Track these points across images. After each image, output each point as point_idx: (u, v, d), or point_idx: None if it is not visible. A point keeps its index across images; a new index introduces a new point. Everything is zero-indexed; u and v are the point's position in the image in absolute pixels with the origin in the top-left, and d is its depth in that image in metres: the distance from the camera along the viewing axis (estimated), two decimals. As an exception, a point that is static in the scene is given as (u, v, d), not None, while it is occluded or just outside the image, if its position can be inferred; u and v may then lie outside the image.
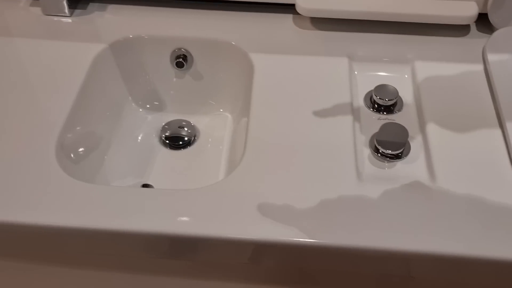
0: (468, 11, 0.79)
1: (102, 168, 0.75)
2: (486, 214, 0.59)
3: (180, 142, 0.83)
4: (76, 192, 0.61)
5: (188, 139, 0.83)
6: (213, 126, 0.85)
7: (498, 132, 0.68)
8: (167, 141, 0.82)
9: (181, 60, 0.81)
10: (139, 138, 0.83)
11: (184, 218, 0.58)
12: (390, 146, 0.65)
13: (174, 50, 0.82)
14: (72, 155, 0.70)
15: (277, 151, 0.65)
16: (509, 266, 0.57)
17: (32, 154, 0.64)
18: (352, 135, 0.67)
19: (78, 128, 0.72)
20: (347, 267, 0.61)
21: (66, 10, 0.83)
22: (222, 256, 0.61)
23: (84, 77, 0.74)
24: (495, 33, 0.79)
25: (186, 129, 0.84)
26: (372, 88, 0.73)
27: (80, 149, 0.72)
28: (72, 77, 0.74)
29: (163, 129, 0.84)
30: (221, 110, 0.86)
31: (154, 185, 0.76)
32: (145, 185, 0.74)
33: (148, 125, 0.84)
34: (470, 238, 0.57)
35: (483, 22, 0.81)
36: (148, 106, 0.86)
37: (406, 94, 0.74)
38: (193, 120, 0.85)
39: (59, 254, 0.65)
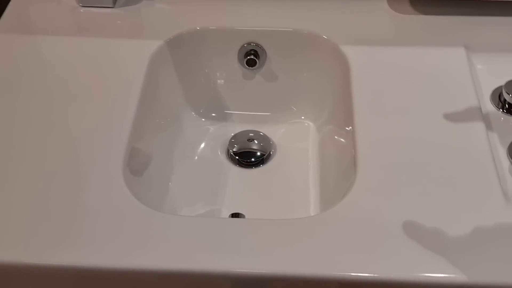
0: None
1: (167, 195, 0.75)
2: None
3: (252, 159, 0.83)
4: (150, 223, 0.61)
5: (262, 154, 0.83)
6: (292, 137, 0.85)
7: None
8: (237, 157, 0.82)
9: (253, 57, 0.82)
10: (203, 154, 0.84)
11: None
12: (541, 157, 0.65)
13: (243, 46, 0.82)
14: (138, 177, 0.70)
15: (396, 169, 0.65)
16: None
17: (102, 181, 0.64)
18: (488, 144, 0.67)
19: (139, 147, 0.72)
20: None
21: (110, 1, 0.83)
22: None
23: (142, 82, 0.74)
24: None
25: (258, 142, 0.84)
26: (500, 84, 0.73)
27: (142, 174, 0.73)
28: (127, 83, 0.74)
29: (230, 143, 0.84)
30: (303, 117, 0.86)
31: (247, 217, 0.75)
32: (234, 215, 0.74)
33: (212, 138, 0.85)
34: None
35: None
36: (213, 114, 0.87)
37: (544, 91, 0.74)
38: (266, 131, 0.85)
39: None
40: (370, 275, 0.56)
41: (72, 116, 0.71)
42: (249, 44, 0.82)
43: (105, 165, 0.66)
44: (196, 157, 0.83)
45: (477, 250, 0.58)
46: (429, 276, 0.56)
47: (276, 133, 0.85)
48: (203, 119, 0.86)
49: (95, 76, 0.75)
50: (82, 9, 0.84)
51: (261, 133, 0.85)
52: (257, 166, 0.83)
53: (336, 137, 0.79)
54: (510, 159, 0.67)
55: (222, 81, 0.85)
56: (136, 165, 0.70)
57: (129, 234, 0.60)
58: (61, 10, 0.85)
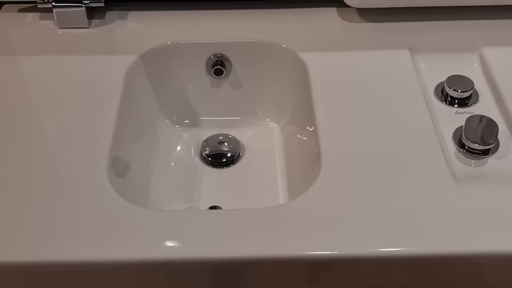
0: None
1: (149, 195, 0.75)
2: None
3: (223, 159, 0.83)
4: (143, 219, 0.61)
5: (232, 155, 0.83)
6: (258, 139, 0.86)
7: None
8: (209, 159, 0.83)
9: (219, 67, 0.82)
10: (178, 157, 0.83)
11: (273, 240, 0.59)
12: (484, 142, 0.67)
13: (210, 57, 0.83)
14: (122, 179, 0.70)
15: (356, 160, 0.66)
16: None
17: (90, 188, 0.64)
18: (435, 133, 0.69)
19: (120, 155, 0.72)
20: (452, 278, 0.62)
21: (86, 21, 0.83)
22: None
23: (120, 95, 0.74)
24: None
25: (227, 144, 0.84)
26: (442, 80, 0.76)
27: (125, 178, 0.72)
28: (106, 96, 0.74)
29: (203, 146, 0.84)
30: (267, 120, 0.86)
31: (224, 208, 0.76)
32: (212, 207, 0.75)
33: (186, 143, 0.85)
34: None
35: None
36: (185, 121, 0.87)
37: (479, 84, 0.76)
38: (234, 134, 0.86)
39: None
40: (332, 253, 0.57)
41: (56, 128, 0.70)
42: (215, 55, 0.83)
43: (92, 169, 0.66)
44: (172, 161, 0.83)
45: (432, 225, 0.60)
46: (385, 250, 0.58)
47: (244, 135, 0.86)
48: (177, 126, 0.86)
49: (75, 91, 0.75)
50: (60, 31, 0.84)
51: (230, 136, 0.85)
52: (228, 166, 0.83)
53: (298, 136, 0.80)
54: (455, 144, 0.69)
55: (193, 90, 0.85)
56: (119, 169, 0.70)
57: (118, 229, 0.60)
58: (40, 32, 0.84)
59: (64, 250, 0.57)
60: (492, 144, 0.67)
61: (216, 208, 0.74)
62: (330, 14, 0.86)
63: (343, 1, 0.83)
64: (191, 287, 0.62)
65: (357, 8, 0.85)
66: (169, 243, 0.58)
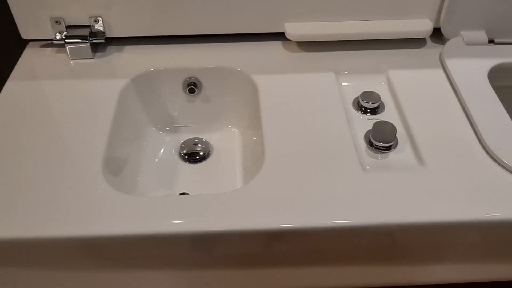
0: (425, 26, 0.83)
1: (137, 185, 0.75)
2: (468, 186, 0.62)
3: (197, 157, 0.83)
4: (127, 203, 0.60)
5: (204, 153, 0.83)
6: (224, 141, 0.85)
7: (463, 117, 0.71)
8: (186, 157, 0.82)
9: (193, 87, 0.82)
10: (162, 156, 0.83)
11: (228, 217, 0.59)
12: (384, 140, 0.67)
13: (186, 79, 0.82)
14: (116, 176, 0.69)
15: (292, 156, 0.66)
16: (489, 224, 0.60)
17: (84, 178, 0.64)
18: (350, 135, 0.69)
19: (115, 153, 0.71)
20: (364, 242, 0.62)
21: (91, 54, 0.82)
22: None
23: (115, 108, 0.74)
24: (448, 43, 0.83)
25: (200, 145, 0.84)
26: (358, 95, 0.76)
27: (120, 170, 0.72)
28: (105, 109, 0.74)
29: (181, 147, 0.83)
30: (230, 126, 0.86)
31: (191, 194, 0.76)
32: (182, 193, 0.74)
33: (168, 145, 0.84)
34: (459, 206, 0.60)
35: (435, 35, 0.85)
36: (167, 128, 0.86)
37: (385, 97, 0.77)
38: (206, 137, 0.85)
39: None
40: (280, 226, 0.58)
41: (64, 133, 0.70)
42: (189, 78, 0.82)
43: (88, 166, 0.65)
44: (157, 159, 0.82)
45: (346, 202, 0.60)
46: (313, 223, 0.58)
47: (213, 138, 0.85)
48: (161, 132, 0.85)
49: (82, 106, 0.74)
50: (71, 61, 0.83)
51: (203, 139, 0.85)
52: (201, 161, 0.82)
53: (253, 137, 0.80)
54: (366, 143, 0.70)
55: (173, 104, 0.85)
56: (113, 167, 0.69)
57: (109, 212, 0.59)
58: (56, 62, 0.83)
59: (67, 226, 0.57)
60: (392, 142, 0.68)
61: (185, 194, 0.74)
62: (276, 46, 0.86)
63: (286, 37, 0.84)
64: (166, 256, 0.62)
65: (297, 42, 0.85)
66: (145, 221, 0.58)
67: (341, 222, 0.58)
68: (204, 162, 0.82)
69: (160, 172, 0.80)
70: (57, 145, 0.68)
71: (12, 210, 0.59)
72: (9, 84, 0.78)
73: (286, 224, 0.58)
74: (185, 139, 0.84)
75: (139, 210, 0.59)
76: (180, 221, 0.58)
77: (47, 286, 0.67)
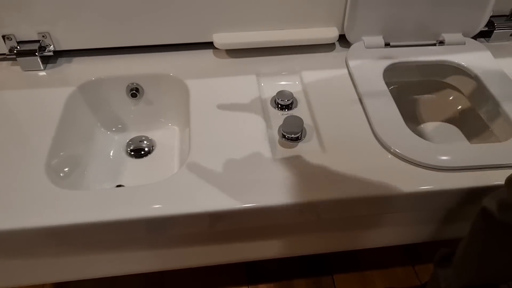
0: (332, 33, 0.83)
1: (84, 180, 0.73)
2: (360, 169, 0.63)
3: (142, 152, 0.82)
4: (67, 198, 0.59)
5: (148, 149, 0.82)
6: (165, 137, 0.84)
7: (361, 110, 0.73)
8: (132, 153, 0.81)
9: (135, 92, 0.81)
10: (111, 153, 0.81)
11: (156, 205, 0.58)
12: (292, 132, 0.68)
13: (128, 85, 0.81)
14: (60, 174, 0.67)
15: (214, 148, 0.66)
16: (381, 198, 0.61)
17: (26, 175, 0.62)
18: (265, 128, 0.69)
19: (61, 153, 0.69)
20: (279, 219, 0.63)
21: (41, 66, 0.80)
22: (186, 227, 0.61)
23: (61, 113, 0.72)
24: (352, 47, 0.84)
25: (145, 142, 0.83)
26: (275, 94, 0.76)
27: (65, 169, 0.70)
28: (51, 114, 0.71)
29: (128, 144, 0.82)
30: (170, 124, 0.85)
31: (126, 186, 0.74)
32: (118, 186, 0.73)
33: (116, 143, 0.83)
34: (356, 184, 0.61)
35: (344, 40, 0.86)
36: (113, 129, 0.84)
37: (299, 95, 0.77)
38: (149, 135, 0.84)
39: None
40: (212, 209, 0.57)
41: (12, 137, 0.68)
42: (131, 83, 0.81)
43: (32, 167, 0.63)
44: (105, 156, 0.80)
45: (258, 186, 0.61)
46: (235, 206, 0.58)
47: (156, 135, 0.84)
48: (109, 132, 0.83)
49: (30, 112, 0.72)
50: (25, 73, 0.80)
51: (147, 136, 0.84)
52: (146, 156, 0.81)
53: (187, 134, 0.79)
54: (279, 135, 0.70)
55: (118, 107, 0.83)
56: (57, 164, 0.67)
57: (54, 204, 0.58)
58: (10, 74, 0.80)
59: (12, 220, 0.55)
60: (298, 133, 0.68)
61: (121, 186, 0.73)
62: (208, 54, 0.85)
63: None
64: (107, 240, 0.61)
65: (225, 50, 0.85)
66: (81, 212, 0.57)
67: (250, 205, 0.58)
68: (148, 157, 0.81)
69: (107, 167, 0.78)
70: (5, 148, 0.66)
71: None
72: (-35, 95, 0.75)
73: (202, 209, 0.58)
74: (132, 137, 0.83)
75: (76, 203, 0.58)
76: (113, 210, 0.57)
77: (10, 272, 0.66)
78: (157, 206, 0.58)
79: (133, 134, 0.84)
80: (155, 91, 0.82)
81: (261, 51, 0.84)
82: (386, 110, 0.71)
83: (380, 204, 0.62)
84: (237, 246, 0.70)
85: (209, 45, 0.84)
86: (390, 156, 0.65)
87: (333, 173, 0.63)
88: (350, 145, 0.67)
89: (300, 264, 0.93)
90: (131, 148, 0.82)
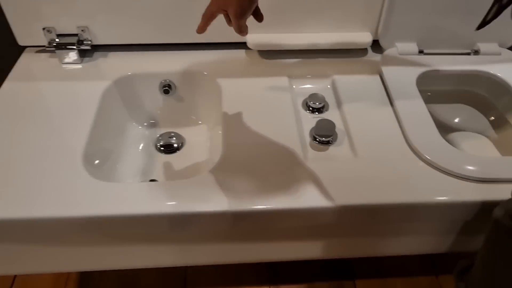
0: (366, 38, 0.83)
1: (116, 172, 0.74)
2: (391, 175, 0.63)
3: (171, 148, 0.83)
4: (105, 190, 0.60)
5: (177, 145, 0.83)
6: (194, 134, 0.85)
7: (393, 117, 0.72)
8: (162, 148, 0.82)
9: (167, 88, 0.82)
10: (140, 148, 0.82)
11: (189, 202, 0.59)
12: (324, 135, 0.68)
13: (161, 81, 0.82)
14: (94, 165, 0.69)
15: (246, 147, 0.67)
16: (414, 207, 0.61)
17: (65, 166, 0.63)
18: (297, 130, 0.70)
19: (96, 145, 0.71)
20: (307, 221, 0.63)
21: (78, 59, 0.82)
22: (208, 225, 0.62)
23: (97, 106, 0.73)
24: (385, 52, 0.84)
25: (175, 138, 0.84)
26: (307, 96, 0.76)
27: (99, 161, 0.71)
28: (88, 107, 0.73)
29: (158, 140, 0.83)
30: (200, 122, 0.86)
31: (159, 181, 0.75)
32: (152, 180, 0.74)
33: (146, 138, 0.84)
34: (387, 190, 0.61)
35: (376, 46, 0.86)
36: (145, 124, 0.85)
37: (330, 99, 0.78)
38: (179, 131, 0.85)
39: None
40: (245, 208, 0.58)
41: (51, 128, 0.69)
42: (164, 80, 0.82)
43: (70, 158, 0.65)
44: (136, 150, 0.81)
45: (290, 187, 0.61)
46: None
47: (185, 132, 0.85)
48: (140, 127, 0.85)
49: (68, 104, 0.74)
50: (62, 65, 0.82)
51: (176, 132, 0.85)
52: (175, 152, 0.82)
53: (219, 132, 0.80)
54: (310, 138, 0.70)
55: (150, 103, 0.84)
56: (94, 157, 0.69)
57: (89, 195, 0.59)
58: (49, 66, 0.82)
59: (49, 208, 0.57)
60: (330, 136, 0.68)
61: (154, 181, 0.74)
62: (240, 54, 0.86)
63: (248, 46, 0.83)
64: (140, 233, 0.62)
65: (257, 50, 0.85)
66: (118, 204, 0.58)
67: (280, 206, 0.59)
68: (177, 153, 0.82)
69: (138, 161, 0.79)
70: (45, 138, 0.68)
71: (3, 197, 0.59)
72: (6, 84, 0.77)
73: (233, 208, 0.59)
74: (162, 133, 0.84)
75: (114, 195, 0.59)
76: (148, 204, 0.58)
77: (40, 259, 0.67)
78: (190, 203, 0.59)
79: (163, 130, 0.85)
80: (187, 89, 0.83)
81: (293, 53, 0.85)
82: (419, 117, 0.70)
83: (410, 212, 0.61)
84: (260, 246, 0.70)
85: (241, 45, 0.85)
86: (421, 163, 0.65)
87: (364, 178, 0.62)
88: (382, 151, 0.67)
89: (323, 267, 0.93)
90: (161, 143, 0.83)
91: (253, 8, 0.57)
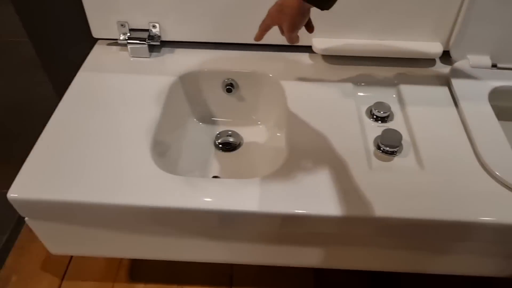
0: (436, 48, 0.81)
1: (178, 166, 0.76)
2: (459, 191, 0.61)
3: (229, 147, 0.83)
4: (173, 182, 0.62)
5: (235, 144, 0.84)
6: (253, 134, 0.85)
7: (462, 131, 0.70)
8: (220, 146, 0.83)
9: (230, 87, 0.83)
10: (200, 144, 0.83)
11: (255, 200, 0.59)
12: (391, 145, 0.66)
13: (224, 80, 0.83)
14: (159, 158, 0.71)
15: (309, 152, 0.66)
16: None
17: (134, 156, 0.65)
18: (361, 138, 0.69)
19: (161, 138, 0.72)
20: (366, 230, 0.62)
21: (148, 53, 0.84)
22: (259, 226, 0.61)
23: (164, 100, 0.75)
24: (455, 64, 0.81)
25: (233, 137, 0.85)
26: (371, 104, 0.75)
27: (162, 153, 0.73)
28: (156, 100, 0.75)
29: (216, 137, 0.84)
30: (259, 123, 0.86)
31: (222, 178, 0.76)
32: (214, 177, 0.75)
33: (205, 134, 0.85)
34: (456, 205, 0.59)
35: (444, 56, 0.83)
36: (205, 120, 0.86)
37: (395, 108, 0.76)
38: (238, 130, 0.86)
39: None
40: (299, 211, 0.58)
41: (121, 118, 0.72)
42: (227, 79, 0.83)
43: (139, 148, 0.67)
44: (196, 145, 0.83)
45: (358, 195, 0.60)
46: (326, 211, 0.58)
47: (244, 131, 0.86)
48: (201, 123, 0.86)
49: (137, 96, 0.76)
50: (132, 58, 0.85)
51: (235, 131, 0.85)
52: (233, 151, 0.83)
53: (277, 134, 0.80)
54: (374, 146, 0.69)
55: (212, 100, 0.85)
56: (159, 149, 0.71)
57: (155, 186, 0.60)
58: (119, 58, 0.85)
59: (116, 196, 0.59)
60: (397, 147, 0.67)
61: (217, 177, 0.75)
62: (303, 57, 0.85)
63: (313, 50, 0.83)
64: (196, 228, 0.63)
65: (322, 55, 0.85)
66: (183, 197, 0.59)
67: (347, 213, 0.58)
68: (235, 152, 0.83)
69: (197, 157, 0.81)
70: (115, 127, 0.70)
71: (74, 180, 0.62)
72: (80, 74, 0.81)
73: (298, 210, 0.58)
74: (220, 131, 0.85)
75: (179, 188, 0.61)
76: (211, 200, 0.59)
77: (96, 243, 0.70)
78: (256, 203, 0.59)
79: (222, 128, 0.86)
80: (250, 89, 0.84)
81: (358, 59, 0.83)
82: (491, 133, 0.67)
83: (475, 231, 0.59)
84: (310, 251, 0.69)
85: (306, 48, 0.85)
86: (492, 180, 0.62)
87: (430, 192, 0.61)
88: (450, 166, 0.64)
89: (369, 279, 0.91)
90: (219, 141, 0.84)
91: (305, 22, 0.60)
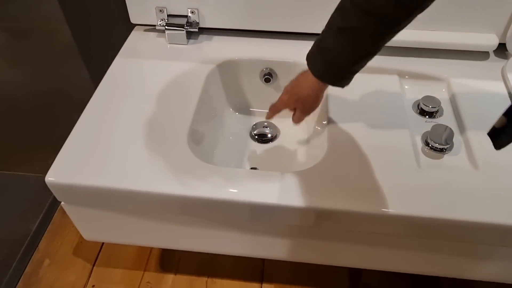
0: (491, 41, 0.76)
1: (213, 156, 0.74)
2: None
3: (265, 138, 0.81)
4: (214, 172, 0.60)
5: (272, 136, 0.81)
6: (290, 127, 0.82)
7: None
8: (256, 137, 0.81)
9: (268, 77, 0.80)
10: (236, 134, 0.82)
11: (296, 194, 0.57)
12: (442, 142, 0.62)
13: (263, 69, 0.81)
14: (196, 147, 0.69)
15: (351, 146, 0.63)
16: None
17: (172, 145, 0.64)
18: (409, 133, 0.65)
19: (198, 127, 0.71)
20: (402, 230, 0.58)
21: (185, 40, 0.82)
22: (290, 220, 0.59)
23: (201, 88, 0.74)
24: (512, 58, 0.76)
25: (269, 128, 0.82)
26: (418, 98, 0.71)
27: (198, 142, 0.71)
28: (193, 88, 0.73)
29: (252, 128, 0.82)
30: (297, 114, 0.83)
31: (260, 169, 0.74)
32: (252, 168, 0.73)
33: (241, 125, 0.83)
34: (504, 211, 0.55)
35: (499, 49, 0.78)
36: (242, 110, 0.84)
37: (444, 103, 0.71)
38: (274, 122, 0.83)
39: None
40: (332, 207, 0.55)
41: (158, 104, 0.70)
42: (266, 68, 0.80)
43: (176, 134, 0.65)
44: (231, 135, 0.81)
45: (405, 194, 0.57)
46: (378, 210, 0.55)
47: (281, 123, 0.83)
48: (237, 113, 0.84)
49: (174, 83, 0.74)
50: (169, 45, 0.83)
51: (271, 123, 0.83)
52: (268, 142, 0.81)
53: (316, 127, 0.77)
54: (422, 143, 0.65)
55: (249, 90, 0.83)
56: (195, 138, 0.69)
57: (192, 175, 0.59)
58: (157, 45, 0.83)
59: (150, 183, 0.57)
60: (448, 145, 0.63)
61: (255, 169, 0.73)
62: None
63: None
64: (229, 220, 0.61)
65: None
66: (221, 188, 0.58)
67: (392, 211, 0.55)
68: (271, 143, 0.81)
69: (233, 147, 0.79)
70: (151, 114, 0.69)
71: (109, 166, 0.61)
72: (117, 60, 0.80)
73: (337, 206, 0.55)
74: (257, 122, 0.83)
75: (216, 178, 0.59)
76: (246, 191, 0.57)
77: (128, 230, 0.69)
78: (296, 196, 0.56)
79: (258, 119, 0.84)
80: (289, 79, 0.79)
81: (404, 50, 0.79)
82: (553, 134, 0.62)
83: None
84: (345, 249, 0.66)
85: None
86: (553, 185, 0.57)
87: (486, 194, 0.56)
88: (505, 166, 0.60)
89: (410, 282, 0.87)
90: (255, 132, 0.81)
91: (318, 106, 0.63)
